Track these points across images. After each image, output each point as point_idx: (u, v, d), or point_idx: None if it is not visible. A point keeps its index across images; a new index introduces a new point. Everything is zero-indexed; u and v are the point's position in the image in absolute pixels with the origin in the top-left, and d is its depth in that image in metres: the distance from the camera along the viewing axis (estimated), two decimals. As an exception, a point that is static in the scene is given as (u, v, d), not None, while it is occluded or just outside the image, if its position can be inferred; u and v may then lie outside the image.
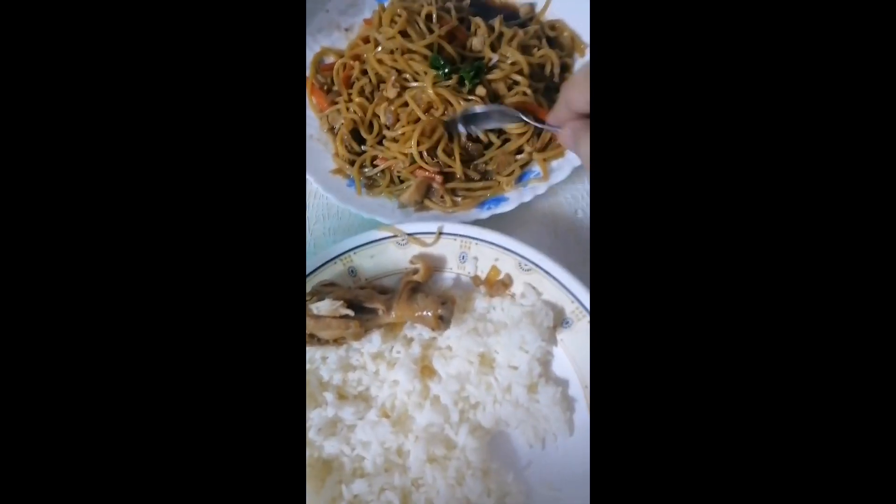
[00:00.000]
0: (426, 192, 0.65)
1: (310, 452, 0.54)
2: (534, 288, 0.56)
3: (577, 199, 0.66)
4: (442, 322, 0.54)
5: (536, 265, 0.55)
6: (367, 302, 0.55)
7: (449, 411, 0.53)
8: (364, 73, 0.74)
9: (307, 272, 0.59)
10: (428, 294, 0.55)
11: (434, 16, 0.72)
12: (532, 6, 0.77)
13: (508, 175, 0.64)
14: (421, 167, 0.66)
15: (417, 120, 0.66)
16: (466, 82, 0.67)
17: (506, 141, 0.66)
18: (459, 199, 0.65)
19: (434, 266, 0.59)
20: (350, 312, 0.53)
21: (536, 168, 0.65)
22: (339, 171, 0.71)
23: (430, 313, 0.54)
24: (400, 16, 0.71)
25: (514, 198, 0.63)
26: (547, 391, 0.52)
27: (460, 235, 0.58)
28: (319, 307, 0.53)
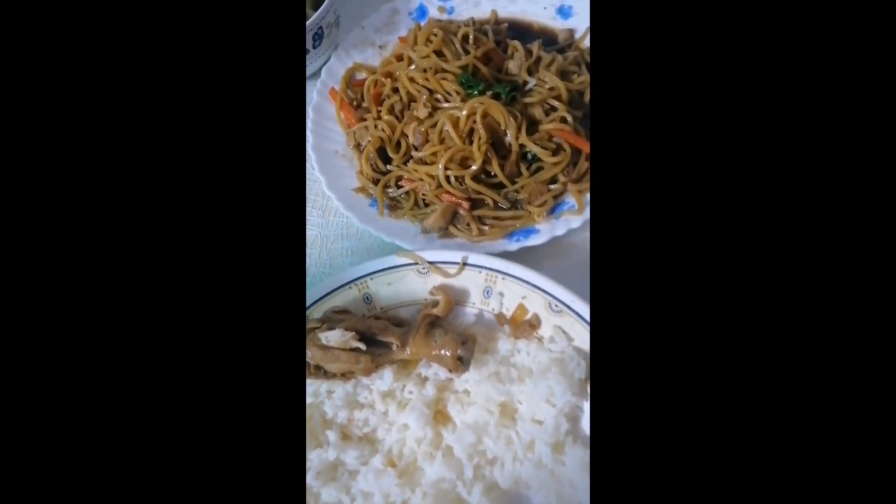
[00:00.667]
0: (451, 218, 0.61)
1: (306, 499, 0.48)
2: (564, 332, 0.50)
3: (615, 236, 0.61)
4: (461, 364, 0.48)
5: (568, 307, 0.49)
6: (380, 335, 0.50)
7: (462, 466, 0.47)
8: (395, 90, 0.71)
9: (321, 294, 0.54)
10: (447, 331, 0.50)
11: (471, 37, 0.69)
12: (572, 32, 0.74)
13: (540, 206, 0.59)
14: (447, 192, 0.61)
15: (444, 142, 0.63)
16: (502, 97, 0.63)
17: (539, 169, 0.62)
18: (487, 227, 0.60)
19: (456, 299, 0.54)
20: (362, 346, 0.48)
21: (571, 199, 0.60)
22: (362, 189, 0.67)
23: (448, 352, 0.48)
24: (436, 35, 0.68)
25: (546, 230, 0.57)
26: (575, 452, 0.46)
27: (485, 268, 0.53)
28: (329, 337, 0.48)
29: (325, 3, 0.71)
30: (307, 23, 0.70)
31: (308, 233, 0.68)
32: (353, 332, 0.48)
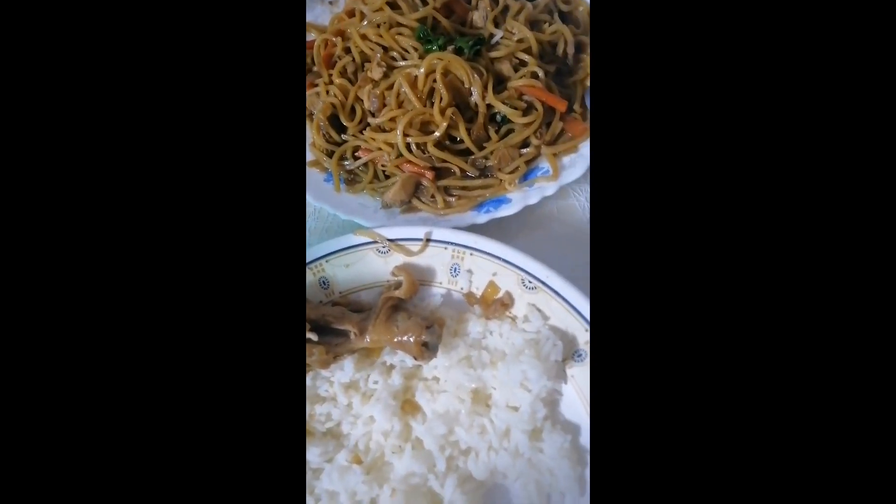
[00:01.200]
0: (414, 190, 0.55)
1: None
2: (539, 311, 0.46)
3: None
4: (426, 350, 0.44)
5: (543, 283, 0.45)
6: (336, 322, 0.45)
7: (434, 458, 0.43)
8: (347, 51, 0.63)
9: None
10: (411, 314, 0.45)
11: (429, -16, 0.61)
12: (543, -23, 0.66)
13: (511, 172, 0.54)
14: (409, 161, 0.55)
15: (402, 105, 0.56)
16: (465, 51, 0.57)
17: (509, 132, 0.56)
18: (453, 199, 0.55)
19: (420, 279, 0.49)
20: (313, 337, 0.43)
21: (545, 164, 0.54)
22: (315, 163, 0.61)
23: (412, 338, 0.44)
24: (389, -18, 0.61)
25: (518, 199, 0.52)
26: (553, 439, 0.42)
27: (452, 244, 0.48)
28: (278, 329, 0.43)
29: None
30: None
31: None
32: (305, 323, 0.43)
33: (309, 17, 0.69)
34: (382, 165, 0.56)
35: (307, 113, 0.63)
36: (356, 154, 0.58)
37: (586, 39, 0.60)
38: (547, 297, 0.45)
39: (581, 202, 0.55)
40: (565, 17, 0.62)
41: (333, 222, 0.58)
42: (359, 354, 0.47)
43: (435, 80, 0.53)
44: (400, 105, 0.56)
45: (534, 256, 0.50)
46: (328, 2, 0.70)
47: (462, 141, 0.54)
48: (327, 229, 0.59)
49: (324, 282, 0.50)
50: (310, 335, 0.43)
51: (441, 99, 0.53)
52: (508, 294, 0.46)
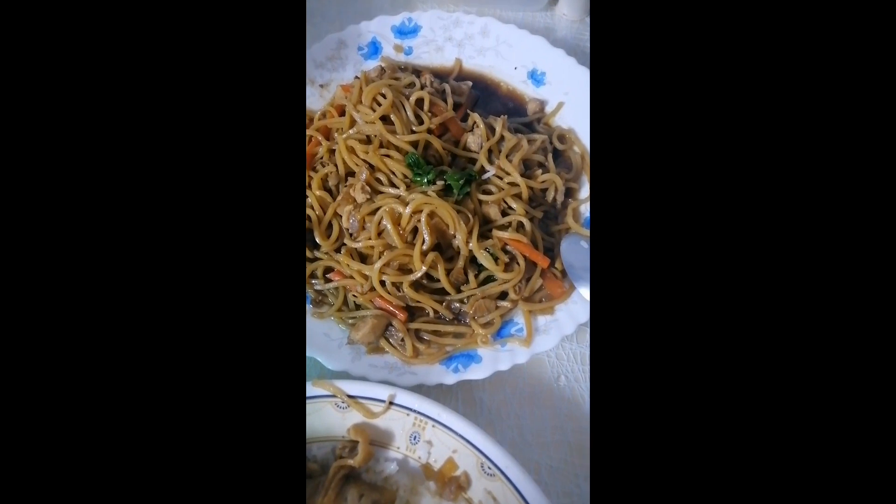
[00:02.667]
0: (384, 331, 0.52)
1: None
2: (495, 500, 0.44)
3: (562, 362, 0.54)
4: (374, 538, 0.42)
5: (502, 472, 0.43)
6: (281, 497, 0.41)
7: None
8: (331, 154, 0.59)
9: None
10: (363, 492, 0.42)
11: (426, 103, 0.58)
12: (542, 104, 0.64)
13: (486, 325, 0.52)
14: (381, 298, 0.52)
15: (382, 234, 0.53)
16: (454, 191, 0.54)
17: (488, 279, 0.54)
18: (422, 346, 0.52)
19: (378, 441, 0.46)
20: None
21: (519, 320, 0.53)
22: (282, 275, 0.56)
23: (360, 523, 0.41)
24: (385, 97, 0.57)
25: (489, 360, 0.50)
26: None
27: (415, 411, 0.46)
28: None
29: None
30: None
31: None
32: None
33: (295, 99, 0.64)
34: (354, 295, 0.53)
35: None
36: (327, 275, 0.55)
37: (575, 185, 0.59)
38: (504, 487, 0.43)
39: (550, 358, 0.54)
40: (558, 156, 0.60)
41: None
42: (301, 525, 0.44)
43: (420, 221, 0.50)
44: (379, 234, 0.52)
45: (499, 416, 0.49)
46: (319, 84, 0.65)
47: (439, 280, 0.52)
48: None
49: (274, 430, 0.46)
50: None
51: (423, 241, 0.50)
52: (466, 475, 0.44)
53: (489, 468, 0.43)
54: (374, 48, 0.66)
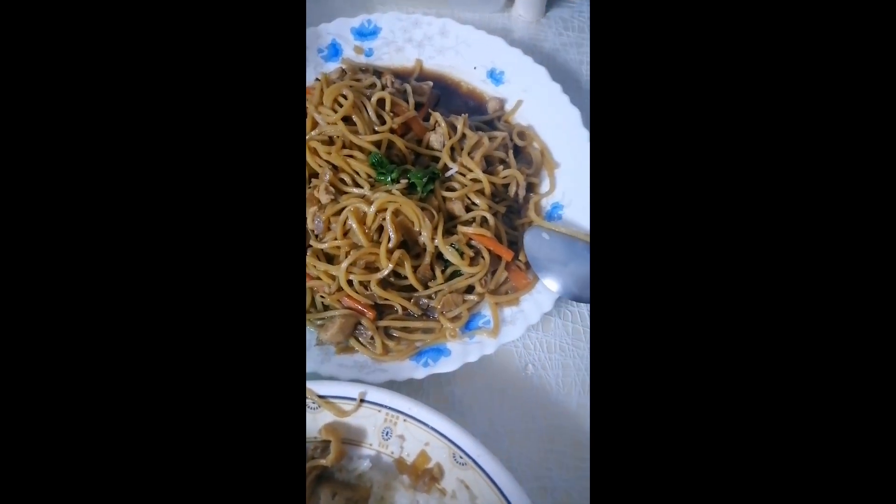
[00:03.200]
0: (353, 330, 0.52)
1: None
2: (468, 488, 0.44)
3: (529, 351, 0.55)
4: (349, 535, 0.41)
5: (474, 461, 0.44)
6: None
7: None
8: (295, 155, 0.59)
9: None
10: (336, 491, 0.42)
11: (387, 103, 0.58)
12: (502, 102, 0.65)
13: (454, 319, 0.52)
14: (349, 297, 0.52)
15: (348, 234, 0.53)
16: (418, 189, 0.55)
17: (455, 274, 0.54)
18: (392, 342, 0.52)
19: (350, 439, 0.46)
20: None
21: (486, 313, 0.53)
22: (247, 279, 0.56)
23: (334, 521, 0.41)
24: (346, 97, 0.56)
25: (458, 353, 0.50)
26: None
27: (386, 407, 0.46)
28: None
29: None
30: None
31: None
32: None
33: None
34: (321, 295, 0.53)
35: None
36: (294, 278, 0.54)
37: (536, 180, 0.60)
38: (476, 475, 0.43)
39: (518, 348, 0.55)
40: (518, 152, 0.62)
41: None
42: (275, 529, 0.43)
43: (385, 219, 0.51)
44: (345, 234, 0.52)
45: (470, 409, 0.50)
46: (279, 87, 0.64)
47: (406, 277, 0.52)
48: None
49: (243, 435, 0.45)
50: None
51: (389, 239, 0.51)
52: (439, 466, 0.45)
53: (461, 458, 0.44)
54: (334, 50, 0.66)
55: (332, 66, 0.65)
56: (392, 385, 0.49)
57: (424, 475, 0.45)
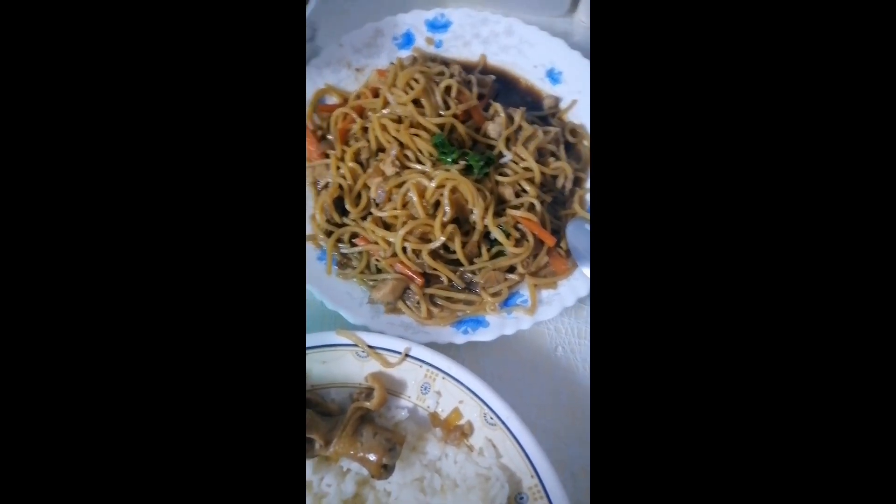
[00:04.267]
0: (402, 293, 0.55)
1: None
2: (495, 447, 0.47)
3: (560, 334, 0.58)
4: (384, 471, 0.45)
5: (502, 421, 0.47)
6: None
7: (372, 569, 0.45)
8: (364, 130, 0.63)
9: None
10: (376, 431, 0.46)
11: (453, 91, 0.62)
12: (557, 100, 0.68)
13: (494, 295, 0.55)
14: (402, 263, 0.56)
15: (406, 205, 0.56)
16: (474, 171, 0.58)
17: (499, 253, 0.57)
18: (436, 309, 0.56)
19: (391, 390, 0.50)
20: (280, 444, 0.43)
21: (525, 292, 0.56)
22: (312, 237, 0.60)
23: (373, 457, 0.45)
24: (417, 81, 0.60)
25: (496, 325, 0.53)
26: (485, 573, 0.44)
27: (427, 363, 0.49)
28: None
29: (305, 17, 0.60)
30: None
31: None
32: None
33: (333, 80, 0.67)
34: (377, 259, 0.56)
35: (313, 180, 0.62)
36: (353, 240, 0.58)
37: (583, 175, 0.63)
38: (503, 435, 0.46)
39: (549, 330, 0.58)
40: (569, 148, 0.64)
41: (317, 311, 0.57)
42: (319, 458, 0.47)
43: (442, 195, 0.54)
44: (404, 206, 0.56)
45: (501, 378, 0.53)
46: (356, 68, 0.68)
47: (455, 251, 0.56)
48: (309, 304, 0.58)
49: (298, 372, 0.50)
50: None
51: (444, 214, 0.54)
52: (470, 424, 0.48)
53: (491, 418, 0.47)
54: (408, 39, 0.70)
55: (405, 54, 0.68)
56: (433, 347, 0.52)
57: (456, 430, 0.48)
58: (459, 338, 0.52)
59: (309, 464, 0.46)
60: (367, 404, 0.47)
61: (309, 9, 0.60)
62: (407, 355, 0.49)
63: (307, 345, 0.49)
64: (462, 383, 0.48)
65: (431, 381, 0.49)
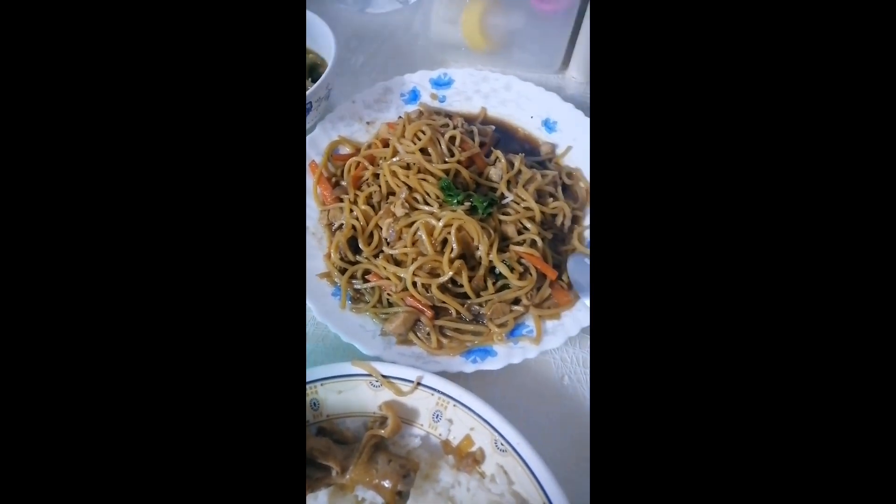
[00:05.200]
0: (413, 325, 0.58)
1: None
2: (506, 473, 0.48)
3: (566, 364, 0.59)
4: (399, 498, 0.45)
5: (513, 448, 0.48)
6: (321, 458, 0.46)
7: None
8: (376, 176, 0.68)
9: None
10: (391, 458, 0.47)
11: (458, 140, 0.67)
12: (553, 147, 0.73)
13: (501, 326, 0.57)
14: (412, 296, 0.58)
15: (416, 243, 0.60)
16: (479, 211, 0.62)
17: (504, 287, 0.60)
18: (446, 340, 0.58)
19: (404, 418, 0.51)
20: (299, 472, 0.44)
21: (530, 323, 0.58)
22: (327, 275, 0.63)
23: (388, 484, 0.45)
24: (424, 133, 0.66)
25: (503, 354, 0.55)
26: None
27: (438, 392, 0.51)
28: (266, 456, 0.43)
29: (321, 79, 0.67)
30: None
31: (265, 308, 0.63)
32: (293, 455, 0.44)
33: (346, 132, 0.73)
34: (388, 294, 0.59)
35: (328, 223, 0.66)
36: (366, 277, 0.61)
37: (580, 213, 0.67)
38: (514, 462, 0.47)
39: (555, 360, 0.59)
40: (566, 190, 0.68)
41: (333, 344, 0.59)
42: (335, 486, 0.47)
43: (450, 233, 0.58)
44: (414, 244, 0.59)
45: (510, 407, 0.54)
46: (366, 122, 0.74)
47: (462, 285, 0.58)
48: (324, 337, 0.60)
49: (315, 403, 0.51)
50: (295, 470, 0.43)
51: (451, 250, 0.57)
52: (481, 450, 0.49)
53: (502, 445, 0.48)
54: (414, 95, 0.76)
55: (412, 108, 0.75)
56: (444, 376, 0.53)
57: (467, 458, 0.48)
58: (469, 367, 0.54)
59: (325, 493, 0.47)
60: (382, 432, 0.48)
61: (325, 72, 0.67)
62: (419, 384, 0.50)
63: (323, 376, 0.51)
64: (473, 410, 0.49)
65: (443, 409, 0.50)
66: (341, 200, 0.66)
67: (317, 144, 0.70)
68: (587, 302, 0.57)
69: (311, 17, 0.73)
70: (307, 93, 0.66)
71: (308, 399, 0.50)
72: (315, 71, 0.73)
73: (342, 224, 0.64)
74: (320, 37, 0.72)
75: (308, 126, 0.72)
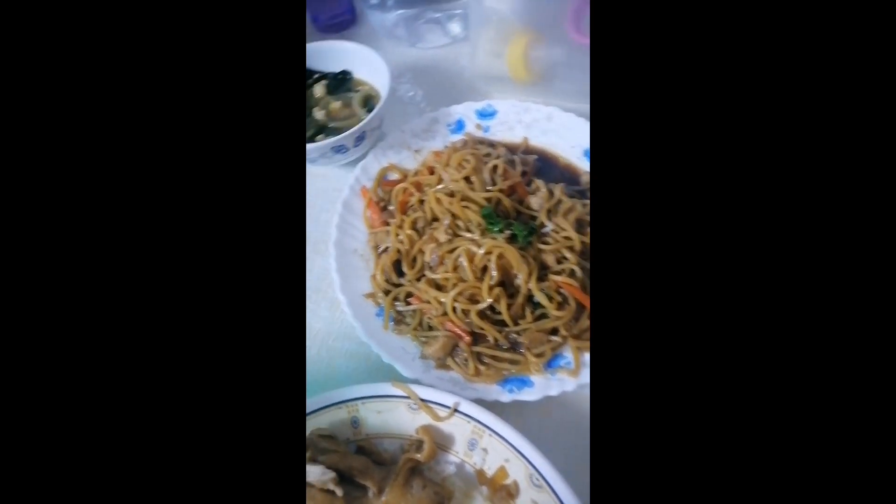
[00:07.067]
0: (452, 350, 0.57)
1: None
2: (541, 510, 0.46)
3: (604, 397, 0.56)
4: (433, 526, 0.44)
5: (549, 485, 0.45)
6: (359, 476, 0.45)
7: None
8: (421, 203, 0.68)
9: (311, 409, 0.50)
10: (426, 484, 0.45)
11: (500, 169, 0.66)
12: (595, 177, 0.71)
13: (538, 356, 0.55)
14: (451, 321, 0.58)
15: (457, 269, 0.59)
16: (519, 240, 0.60)
17: (542, 316, 0.58)
18: (483, 367, 0.56)
19: (440, 444, 0.49)
20: (338, 491, 0.43)
21: (568, 354, 0.56)
22: (371, 295, 0.63)
23: (422, 510, 0.44)
24: (468, 162, 0.66)
25: (540, 385, 0.53)
26: None
27: (475, 419, 0.49)
28: (310, 472, 0.43)
29: (375, 111, 0.69)
30: (356, 127, 0.68)
31: (312, 325, 0.64)
32: (334, 474, 0.43)
33: (395, 160, 0.74)
34: (429, 317, 0.59)
35: (374, 245, 0.67)
36: (408, 299, 0.61)
37: (623, 245, 0.64)
38: (550, 499, 0.44)
39: (585, 393, 0.56)
40: (608, 220, 0.66)
41: (374, 364, 0.58)
42: (370, 507, 0.47)
43: (490, 260, 0.57)
44: (455, 269, 0.59)
45: (547, 440, 0.51)
46: (414, 150, 0.76)
47: (501, 313, 0.57)
48: (366, 356, 0.60)
49: (355, 421, 0.51)
50: (335, 489, 0.43)
51: (491, 277, 0.56)
52: (516, 484, 0.46)
53: (537, 479, 0.45)
54: (460, 125, 0.77)
55: (457, 138, 0.75)
56: (480, 404, 0.52)
57: (501, 490, 0.46)
58: (505, 396, 0.52)
59: (361, 513, 0.46)
60: (418, 456, 0.47)
61: (378, 105, 0.69)
62: (456, 410, 0.49)
63: (365, 395, 0.50)
64: (508, 441, 0.47)
65: (479, 438, 0.48)
66: (388, 224, 0.67)
67: (368, 171, 0.72)
68: (628, 335, 0.54)
69: (368, 52, 0.75)
70: (362, 123, 0.68)
71: (349, 416, 0.50)
72: (369, 102, 0.76)
73: (388, 247, 0.65)
74: (376, 71, 0.74)
75: (361, 153, 0.74)
